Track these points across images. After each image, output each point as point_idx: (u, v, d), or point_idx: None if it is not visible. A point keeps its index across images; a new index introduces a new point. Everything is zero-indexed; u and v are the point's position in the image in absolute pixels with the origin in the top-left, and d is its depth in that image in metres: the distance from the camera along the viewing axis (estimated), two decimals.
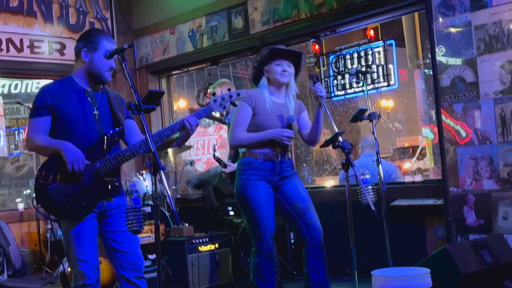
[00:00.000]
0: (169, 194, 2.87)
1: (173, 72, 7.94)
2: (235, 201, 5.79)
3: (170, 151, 6.43)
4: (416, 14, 6.89)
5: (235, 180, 4.03)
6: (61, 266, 5.07)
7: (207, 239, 5.72)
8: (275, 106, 3.97)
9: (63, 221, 3.23)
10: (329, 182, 8.01)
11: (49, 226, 6.46)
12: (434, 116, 5.66)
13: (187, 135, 3.23)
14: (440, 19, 5.07)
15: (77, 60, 3.28)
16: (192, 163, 7.43)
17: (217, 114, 6.18)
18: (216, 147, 5.71)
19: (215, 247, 5.73)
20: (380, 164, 4.34)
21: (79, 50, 3.24)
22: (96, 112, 3.25)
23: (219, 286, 5.68)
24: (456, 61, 4.99)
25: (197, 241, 5.62)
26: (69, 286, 4.93)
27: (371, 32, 5.98)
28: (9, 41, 6.97)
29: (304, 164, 8.06)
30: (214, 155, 5.73)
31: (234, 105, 3.34)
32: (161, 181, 2.78)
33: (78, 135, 3.19)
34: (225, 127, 8.10)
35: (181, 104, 8.03)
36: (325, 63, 6.26)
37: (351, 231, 3.76)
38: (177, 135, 3.24)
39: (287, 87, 4.05)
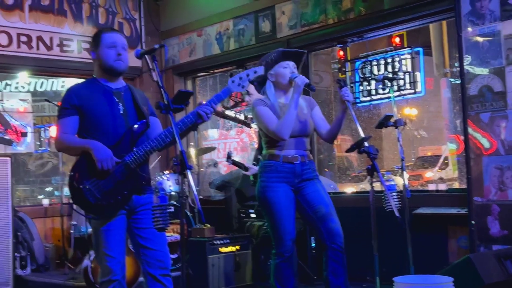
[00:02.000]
0: (195, 193, 2.89)
1: (199, 74, 8.00)
2: (256, 204, 5.83)
3: (192, 152, 6.48)
4: (444, 22, 6.86)
5: (257, 182, 4.05)
6: (84, 262, 5.13)
7: (228, 241, 5.74)
8: (285, 107, 3.96)
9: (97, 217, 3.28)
10: (351, 188, 8.00)
11: (73, 222, 6.54)
12: (460, 125, 5.62)
13: (202, 121, 3.24)
14: (469, 28, 5.04)
15: (93, 62, 3.39)
16: (215, 164, 7.47)
17: (241, 117, 6.21)
18: (231, 154, 5.71)
19: (236, 249, 5.75)
20: (404, 171, 4.32)
21: (90, 53, 3.39)
22: (122, 108, 3.31)
23: None
24: (484, 70, 4.96)
25: (218, 242, 5.65)
26: (91, 282, 5.00)
27: (397, 39, 5.97)
28: (40, 39, 7.07)
29: (326, 170, 8.05)
30: (228, 161, 5.74)
31: (252, 83, 3.33)
32: (187, 180, 2.81)
33: (106, 131, 3.25)
34: (246, 130, 8.14)
35: None
36: (350, 69, 6.26)
37: (375, 236, 3.75)
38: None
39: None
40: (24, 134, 7.90)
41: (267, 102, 3.96)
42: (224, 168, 8.23)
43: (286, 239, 3.90)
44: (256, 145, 8.02)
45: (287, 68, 3.95)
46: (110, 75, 3.34)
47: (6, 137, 7.64)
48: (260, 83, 4.06)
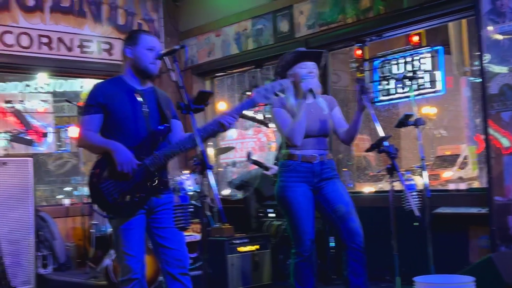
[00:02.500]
0: (216, 192, 2.90)
1: (218, 74, 8.02)
2: (275, 203, 5.83)
3: (211, 152, 6.50)
4: (463, 20, 6.81)
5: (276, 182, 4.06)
6: (105, 261, 5.17)
7: (247, 240, 5.76)
8: (306, 106, 3.94)
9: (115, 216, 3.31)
10: (369, 188, 7.98)
11: (94, 222, 6.59)
12: (480, 124, 5.58)
13: (224, 130, 3.25)
14: (489, 26, 5.01)
15: (124, 60, 3.39)
16: (234, 164, 7.49)
17: (259, 117, 6.22)
18: (251, 153, 5.72)
19: (255, 248, 5.76)
20: (424, 170, 4.31)
21: (123, 49, 3.37)
22: (145, 110, 3.33)
23: (258, 287, 5.71)
24: (504, 69, 4.92)
25: (237, 241, 5.67)
26: (112, 281, 5.04)
27: (415, 38, 5.94)
28: (60, 40, 7.14)
29: (345, 169, 8.03)
30: (248, 160, 5.75)
31: (277, 95, 3.34)
32: (207, 180, 2.82)
33: (128, 132, 3.27)
34: (264, 129, 8.15)
35: (222, 107, 8.10)
36: (369, 68, 6.24)
37: (394, 236, 3.74)
38: None
39: None
40: (45, 135, 7.99)
41: (286, 102, 3.96)
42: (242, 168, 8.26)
43: (305, 239, 3.90)
44: (274, 145, 8.04)
45: (305, 69, 3.94)
46: (142, 76, 3.36)
47: (27, 138, 7.73)
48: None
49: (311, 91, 3.86)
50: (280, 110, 3.94)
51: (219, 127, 3.17)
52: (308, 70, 3.94)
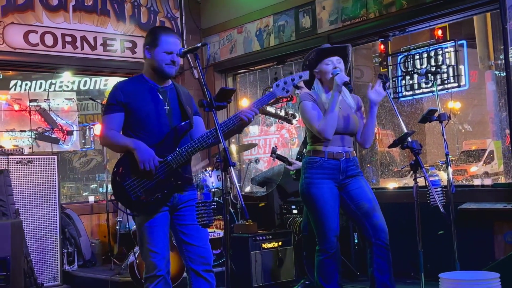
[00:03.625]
0: (238, 190, 2.91)
1: (240, 71, 8.03)
2: (298, 200, 5.83)
3: (233, 148, 6.51)
4: (488, 14, 6.72)
5: (300, 178, 4.04)
6: (130, 258, 5.22)
7: (270, 237, 5.76)
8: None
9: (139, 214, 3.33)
10: (393, 184, 7.92)
11: (119, 219, 6.65)
12: (505, 118, 5.51)
13: (245, 125, 3.26)
14: None
15: (144, 58, 3.41)
16: (257, 161, 7.50)
17: (282, 113, 6.21)
18: (276, 149, 5.71)
19: (278, 245, 5.77)
20: (449, 166, 4.27)
21: (143, 49, 3.38)
22: (167, 107, 3.35)
23: (282, 283, 5.71)
24: None
25: (260, 238, 5.67)
26: (137, 277, 5.08)
27: (439, 32, 5.87)
28: (84, 39, 7.21)
29: (368, 165, 7.99)
30: (272, 156, 5.74)
31: (297, 87, 3.31)
32: (230, 177, 2.83)
33: (150, 129, 3.30)
34: (287, 125, 8.13)
35: (244, 103, 8.10)
36: (392, 63, 6.19)
37: (419, 232, 3.71)
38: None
39: None
40: (70, 133, 8.06)
41: (315, 97, 3.93)
42: (265, 164, 8.26)
43: (330, 236, 3.89)
44: (296, 141, 8.03)
45: (330, 65, 3.90)
46: (159, 77, 3.38)
47: (53, 136, 7.81)
48: (307, 82, 4.02)
49: (346, 84, 3.79)
50: (310, 104, 3.89)
51: (238, 121, 3.18)
52: (332, 65, 3.90)
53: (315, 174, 3.91)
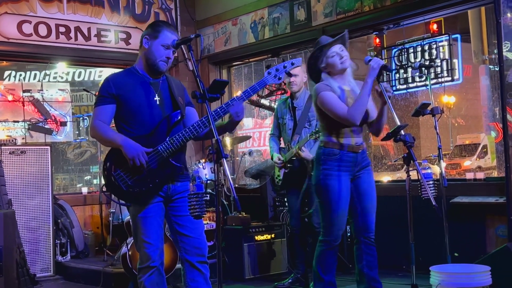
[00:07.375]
0: (231, 181, 2.91)
1: (234, 63, 8.02)
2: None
3: (228, 141, 6.51)
4: (482, 8, 6.73)
5: (315, 170, 3.95)
6: (123, 249, 5.22)
7: (263, 229, 5.78)
8: (346, 93, 3.88)
9: (132, 204, 3.35)
10: (387, 177, 7.95)
11: (112, 210, 6.65)
12: (498, 113, 5.53)
13: (234, 120, 3.24)
14: (509, 14, 4.94)
15: (140, 47, 3.41)
16: (250, 153, 7.50)
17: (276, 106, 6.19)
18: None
19: (271, 237, 5.78)
20: (441, 160, 4.28)
21: (142, 37, 3.38)
22: (157, 98, 3.35)
23: (274, 275, 5.73)
24: None
25: (253, 230, 5.69)
26: (129, 268, 5.09)
27: (434, 26, 5.87)
28: (78, 29, 7.17)
29: None
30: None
31: (290, 75, 3.29)
32: (223, 169, 2.83)
33: (142, 120, 3.30)
34: None
35: None
36: (386, 56, 6.20)
37: (411, 225, 3.73)
38: (225, 121, 3.29)
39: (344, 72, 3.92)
40: (63, 124, 8.05)
41: (334, 89, 3.85)
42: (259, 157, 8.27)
43: (338, 229, 3.87)
44: None
45: (335, 56, 3.85)
46: (151, 70, 3.37)
47: (46, 127, 7.80)
48: (313, 77, 3.98)
49: (385, 66, 3.72)
50: (330, 93, 3.81)
51: (228, 107, 3.17)
52: (338, 57, 3.85)
53: (334, 166, 3.84)
